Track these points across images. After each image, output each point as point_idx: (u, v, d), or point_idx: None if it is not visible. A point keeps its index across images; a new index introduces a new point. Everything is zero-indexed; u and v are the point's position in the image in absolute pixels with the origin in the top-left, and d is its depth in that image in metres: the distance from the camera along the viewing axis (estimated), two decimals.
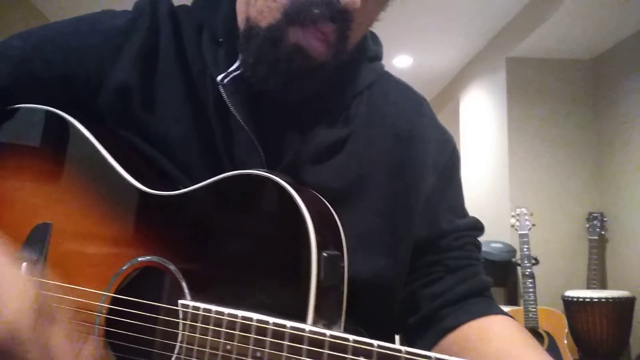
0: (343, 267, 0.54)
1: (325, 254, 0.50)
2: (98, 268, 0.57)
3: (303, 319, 0.48)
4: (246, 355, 0.47)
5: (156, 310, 0.53)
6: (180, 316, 0.51)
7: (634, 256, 3.20)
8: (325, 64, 0.58)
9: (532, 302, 2.92)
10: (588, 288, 3.27)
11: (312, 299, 0.48)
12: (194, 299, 0.52)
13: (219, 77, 0.60)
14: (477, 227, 0.70)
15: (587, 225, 3.44)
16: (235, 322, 0.48)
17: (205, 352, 0.49)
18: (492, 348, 0.59)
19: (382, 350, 0.42)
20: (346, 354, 0.43)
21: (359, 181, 0.63)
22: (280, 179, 0.53)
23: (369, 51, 0.70)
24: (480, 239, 0.71)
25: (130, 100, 0.63)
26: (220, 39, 0.63)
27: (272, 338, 0.46)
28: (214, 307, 0.50)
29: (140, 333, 0.53)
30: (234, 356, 0.48)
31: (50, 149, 0.64)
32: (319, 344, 0.44)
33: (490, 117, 4.06)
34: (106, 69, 0.63)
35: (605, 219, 3.42)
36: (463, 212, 0.71)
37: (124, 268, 0.56)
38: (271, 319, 0.46)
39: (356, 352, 0.43)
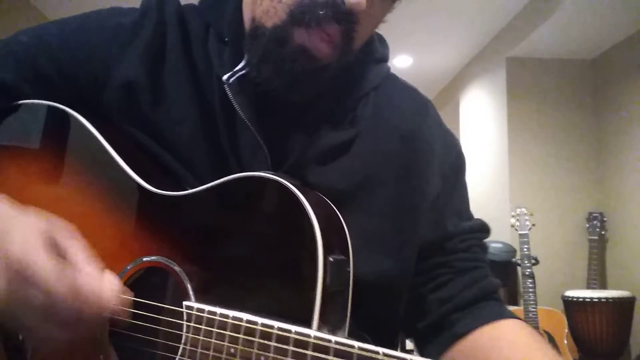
0: (349, 272, 0.53)
1: (331, 259, 0.49)
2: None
3: (308, 324, 0.47)
4: (250, 359, 0.46)
5: (160, 311, 0.53)
6: (185, 318, 0.51)
7: (634, 256, 3.20)
8: (330, 65, 0.58)
9: (532, 302, 2.92)
10: (588, 288, 3.27)
11: (317, 304, 0.48)
12: (198, 300, 0.52)
13: (225, 77, 0.60)
14: (483, 230, 0.71)
15: (587, 225, 3.44)
16: (239, 325, 0.47)
17: (209, 354, 0.49)
18: (503, 356, 0.59)
19: (388, 359, 0.42)
20: None
21: (364, 182, 0.63)
22: (288, 181, 0.52)
23: (375, 53, 0.70)
24: None
25: (136, 97, 0.62)
26: (227, 39, 0.63)
27: (277, 343, 0.45)
28: (218, 310, 0.49)
29: (143, 334, 0.53)
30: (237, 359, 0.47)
31: (55, 146, 0.64)
32: (324, 350, 0.43)
33: (490, 117, 4.06)
34: (112, 67, 0.63)
35: (605, 219, 3.42)
36: (468, 215, 0.71)
37: (129, 268, 0.56)
38: (276, 324, 0.46)
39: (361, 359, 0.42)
